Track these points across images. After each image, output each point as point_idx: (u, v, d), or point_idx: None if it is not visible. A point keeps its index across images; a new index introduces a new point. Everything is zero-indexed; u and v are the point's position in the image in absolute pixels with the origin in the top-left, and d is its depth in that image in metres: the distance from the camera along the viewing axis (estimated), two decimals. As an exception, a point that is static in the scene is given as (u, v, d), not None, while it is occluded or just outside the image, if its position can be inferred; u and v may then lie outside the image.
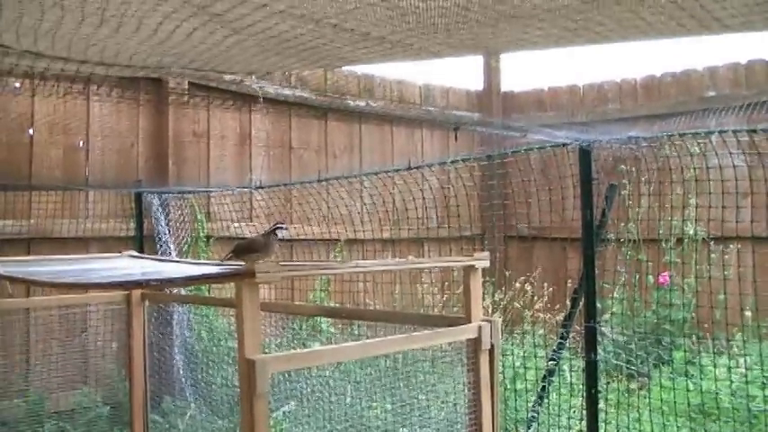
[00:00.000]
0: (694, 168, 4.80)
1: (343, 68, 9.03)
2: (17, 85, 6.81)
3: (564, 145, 4.65)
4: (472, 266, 3.86)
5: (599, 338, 4.63)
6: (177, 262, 5.57)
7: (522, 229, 9.49)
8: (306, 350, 3.88)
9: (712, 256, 6.72)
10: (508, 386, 5.31)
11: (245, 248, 4.31)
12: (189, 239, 7.28)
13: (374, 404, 5.32)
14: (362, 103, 9.15)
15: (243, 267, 3.01)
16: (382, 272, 6.39)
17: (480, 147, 9.54)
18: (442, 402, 4.69)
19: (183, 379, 6.76)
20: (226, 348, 6.63)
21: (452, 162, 5.55)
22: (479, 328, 3.86)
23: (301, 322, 6.57)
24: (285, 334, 6.25)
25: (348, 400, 5.51)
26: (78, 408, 6.48)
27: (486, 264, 3.91)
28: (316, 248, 7.86)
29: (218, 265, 4.23)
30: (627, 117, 9.12)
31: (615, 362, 5.18)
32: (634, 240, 7.08)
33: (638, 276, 7.00)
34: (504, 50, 8.44)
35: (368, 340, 3.89)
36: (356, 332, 5.48)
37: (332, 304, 7.13)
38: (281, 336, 6.17)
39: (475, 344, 3.87)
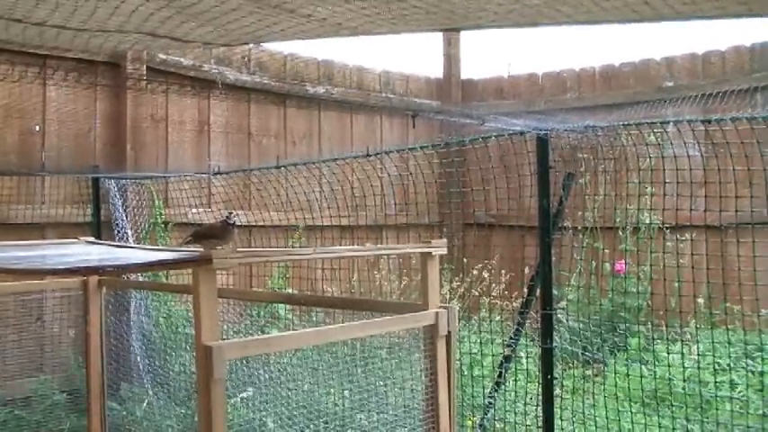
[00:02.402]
0: (651, 158, 4.85)
1: (303, 54, 9.01)
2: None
3: (521, 133, 4.68)
4: (429, 253, 3.89)
5: (555, 325, 4.68)
6: (134, 248, 5.54)
7: (480, 217, 9.53)
8: (263, 336, 3.88)
9: (668, 244, 6.79)
10: (465, 372, 5.34)
11: (203, 234, 4.31)
12: (147, 225, 7.23)
13: (332, 390, 5.34)
14: (322, 90, 9.14)
15: (200, 253, 3.01)
16: (340, 259, 6.40)
17: (439, 134, 9.55)
18: (400, 389, 4.71)
19: (141, 366, 6.72)
20: (183, 335, 6.60)
21: (411, 149, 5.56)
22: (437, 314, 3.88)
23: (259, 309, 6.57)
24: (243, 321, 6.24)
25: (306, 386, 5.52)
26: (34, 395, 6.43)
27: (444, 251, 3.93)
28: (274, 235, 7.84)
29: (176, 251, 4.21)
30: (585, 106, 9.20)
31: (571, 348, 5.23)
32: (591, 228, 7.14)
33: (594, 264, 7.06)
34: (461, 26, 8.45)
35: (325, 326, 3.90)
36: (314, 319, 5.47)
37: (290, 291, 7.12)
38: (239, 322, 6.16)
39: (432, 330, 3.89)
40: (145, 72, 7.56)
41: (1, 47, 6.71)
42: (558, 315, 5.00)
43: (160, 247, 5.68)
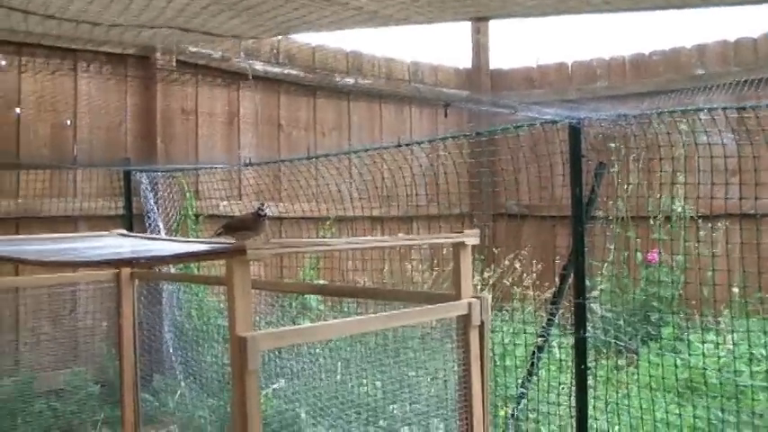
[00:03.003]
0: (683, 146, 4.81)
1: (331, 45, 9.01)
2: (3, 62, 6.77)
3: (554, 122, 4.65)
4: (462, 243, 3.87)
5: (588, 315, 4.65)
6: (167, 240, 5.56)
7: (510, 207, 9.51)
8: (297, 327, 3.88)
9: (700, 233, 6.74)
10: (497, 363, 5.32)
11: (235, 226, 4.33)
12: (178, 218, 7.26)
13: (364, 381, 5.34)
14: (351, 81, 9.13)
15: (234, 244, 3.00)
16: (372, 249, 6.39)
17: (469, 124, 9.54)
18: (432, 379, 4.71)
19: (173, 357, 6.76)
20: (215, 326, 6.63)
21: (442, 139, 5.54)
22: (469, 304, 3.87)
23: (291, 300, 6.57)
24: (275, 312, 6.26)
25: (338, 377, 5.53)
26: (68, 387, 6.48)
27: (476, 241, 3.92)
28: (305, 226, 7.85)
29: (209, 242, 4.22)
30: (616, 95, 9.13)
31: (604, 338, 5.20)
32: (623, 218, 7.10)
33: (626, 254, 7.02)
34: (493, 15, 8.41)
35: (359, 317, 3.90)
36: (346, 309, 5.48)
37: (321, 282, 7.13)
38: (271, 313, 6.17)
39: (465, 320, 3.88)
40: (175, 65, 7.58)
41: (33, 42, 6.75)
42: (591, 305, 4.96)
43: (192, 240, 5.69)
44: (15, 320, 6.58)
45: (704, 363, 5.22)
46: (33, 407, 6.16)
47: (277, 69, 8.46)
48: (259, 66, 8.25)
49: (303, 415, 5.33)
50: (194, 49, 7.70)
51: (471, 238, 3.90)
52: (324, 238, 7.45)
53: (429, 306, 3.93)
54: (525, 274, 6.86)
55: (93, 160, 7.14)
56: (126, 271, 5.71)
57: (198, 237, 6.86)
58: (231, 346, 2.93)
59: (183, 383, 6.58)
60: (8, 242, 5.16)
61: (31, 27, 6.11)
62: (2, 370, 4.76)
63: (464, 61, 10.53)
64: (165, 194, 7.25)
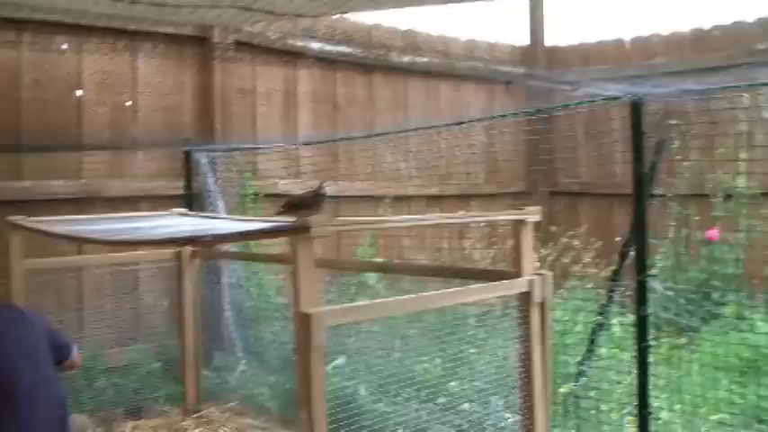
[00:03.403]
0: (746, 122, 4.74)
1: (387, 24, 9.00)
2: (64, 45, 6.86)
3: (615, 98, 4.61)
4: (523, 221, 3.88)
5: (648, 293, 4.61)
6: (227, 219, 5.62)
7: (567, 185, 9.45)
8: (361, 303, 3.92)
9: (762, 210, 6.64)
10: (556, 340, 5.31)
11: (295, 204, 4.34)
12: (237, 197, 7.31)
13: (423, 358, 5.36)
14: (407, 59, 9.11)
15: (298, 222, 3.03)
16: (430, 227, 6.40)
17: (526, 102, 9.49)
18: (492, 356, 4.71)
19: (233, 335, 6.84)
20: (275, 304, 6.69)
21: (502, 117, 5.52)
22: (530, 281, 3.88)
23: (348, 278, 6.61)
24: (332, 290, 6.30)
25: (397, 354, 5.56)
26: (131, 364, 6.58)
27: (538, 218, 3.92)
28: (362, 205, 7.87)
29: (269, 221, 4.25)
30: (675, 71, 8.97)
31: (665, 316, 5.16)
32: (682, 195, 7.01)
33: (685, 232, 6.95)
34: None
35: (422, 293, 3.92)
36: (405, 288, 5.49)
37: (379, 260, 7.15)
38: (329, 291, 6.21)
39: (526, 298, 3.89)
40: (232, 45, 7.62)
41: (92, 24, 6.83)
42: (653, 283, 4.92)
43: (252, 218, 5.74)
44: (79, 299, 6.69)
45: (766, 341, 5.16)
46: (98, 383, 6.28)
47: (333, 48, 8.46)
48: (316, 45, 8.26)
49: (363, 392, 5.37)
50: (251, 30, 7.74)
51: (533, 215, 3.90)
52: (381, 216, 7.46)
53: (490, 283, 3.94)
54: (583, 252, 6.82)
55: (153, 141, 7.22)
56: (187, 250, 5.80)
57: (257, 216, 6.90)
58: (296, 322, 2.96)
59: (243, 361, 6.65)
60: (73, 222, 5.26)
61: (90, 7, 6.17)
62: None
63: (520, 38, 10.46)
64: (224, 174, 7.31)
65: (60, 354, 4.27)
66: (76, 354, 4.41)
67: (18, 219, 5.04)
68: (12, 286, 5.01)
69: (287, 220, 3.81)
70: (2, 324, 3.94)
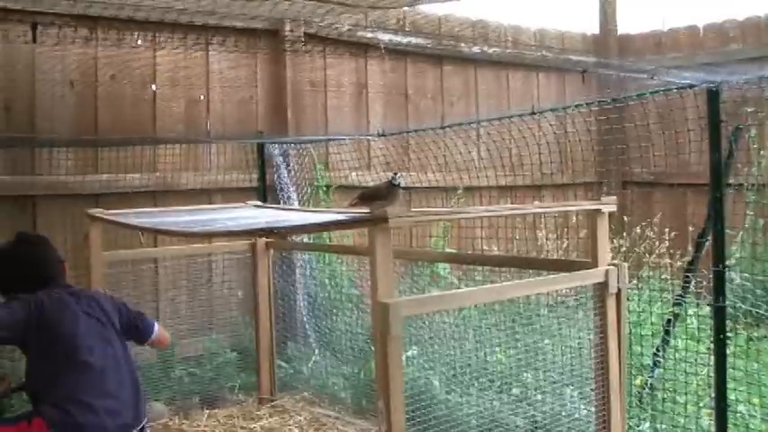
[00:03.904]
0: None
1: (457, 15, 8.98)
2: (140, 41, 6.97)
3: (690, 86, 4.55)
4: (599, 210, 3.86)
5: (726, 283, 4.55)
6: (301, 211, 5.68)
7: (640, 175, 9.34)
8: (438, 293, 3.93)
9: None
10: (631, 331, 5.27)
11: (369, 196, 4.39)
12: (309, 189, 7.37)
13: (497, 349, 5.36)
14: (477, 49, 9.08)
15: (376, 212, 3.05)
16: (505, 217, 6.38)
17: (598, 91, 9.41)
18: (566, 347, 4.70)
19: (307, 326, 6.90)
20: (347, 295, 6.74)
21: (576, 106, 5.48)
22: (606, 272, 3.85)
23: (421, 269, 6.62)
24: (404, 281, 6.32)
25: (469, 345, 5.56)
26: (206, 354, 6.68)
27: (613, 208, 3.90)
28: (433, 196, 7.87)
29: (343, 212, 4.29)
30: (752, 57, 8.79)
31: (744, 307, 5.08)
32: (760, 185, 6.89)
33: (763, 221, 6.82)
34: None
35: (498, 284, 3.92)
36: (477, 279, 5.49)
37: (451, 251, 7.15)
38: (402, 282, 6.23)
39: (602, 288, 3.87)
40: (303, 38, 7.68)
41: (161, 19, 6.93)
42: (731, 273, 4.85)
43: (326, 210, 5.79)
44: (155, 290, 6.80)
45: None
46: (174, 372, 6.39)
47: (404, 39, 8.47)
48: (386, 36, 8.28)
49: (436, 382, 5.39)
50: (321, 23, 7.78)
51: (608, 205, 3.88)
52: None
53: (566, 273, 3.93)
54: (657, 243, 6.75)
55: (226, 134, 7.31)
56: (261, 241, 5.87)
57: (329, 207, 6.96)
58: (374, 312, 2.99)
59: (316, 351, 6.71)
60: (150, 214, 5.36)
61: (160, 3, 6.26)
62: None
63: (591, 27, 10.36)
64: (296, 166, 7.37)
65: (140, 334, 4.41)
66: (159, 332, 4.50)
67: (97, 211, 5.15)
68: (91, 277, 5.12)
69: (362, 211, 3.84)
70: (69, 301, 4.07)
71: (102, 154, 6.78)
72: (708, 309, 4.75)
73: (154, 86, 7.09)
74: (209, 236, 5.53)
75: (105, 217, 5.03)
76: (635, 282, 6.05)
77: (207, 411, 5.84)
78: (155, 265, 6.79)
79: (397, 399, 2.97)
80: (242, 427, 5.42)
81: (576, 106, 5.47)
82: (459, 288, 5.27)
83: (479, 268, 5.32)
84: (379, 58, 8.31)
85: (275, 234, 5.56)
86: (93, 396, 3.87)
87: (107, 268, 5.37)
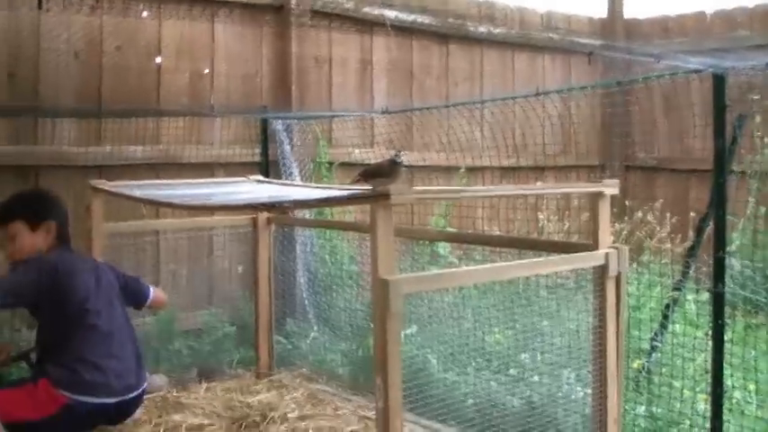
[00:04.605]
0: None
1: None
2: (145, 13, 6.95)
3: (696, 71, 4.53)
4: (601, 193, 3.85)
5: (726, 270, 4.55)
6: (303, 186, 5.67)
7: (643, 159, 9.33)
8: (438, 271, 3.93)
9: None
10: (631, 315, 5.28)
11: (371, 173, 4.37)
12: (311, 165, 7.36)
13: (495, 330, 5.37)
14: (483, 30, 9.05)
15: (378, 189, 3.05)
16: (506, 198, 6.37)
17: (603, 74, 9.39)
18: (564, 329, 4.71)
19: (306, 301, 6.91)
20: (348, 272, 6.75)
21: (581, 88, 5.47)
22: (606, 255, 3.85)
23: (421, 247, 6.63)
24: (405, 259, 6.32)
25: (467, 325, 5.57)
26: (206, 327, 6.70)
27: (616, 191, 3.89)
28: (435, 176, 7.87)
29: (345, 188, 4.28)
30: (759, 44, 8.75)
31: (744, 294, 5.09)
32: (763, 172, 6.88)
33: (764, 209, 6.82)
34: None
35: (498, 263, 3.93)
36: (477, 259, 5.49)
37: (452, 230, 7.15)
38: (402, 260, 6.23)
39: (602, 271, 3.87)
40: (308, 12, 7.65)
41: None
42: (732, 260, 4.86)
43: (329, 186, 5.78)
44: (156, 262, 6.82)
45: None
46: (173, 345, 6.41)
47: (409, 17, 8.44)
48: (392, 14, 8.25)
49: (433, 361, 5.40)
50: (327, -1, 7.78)
51: (610, 188, 3.88)
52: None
53: (566, 255, 3.93)
54: (659, 228, 6.75)
55: (230, 108, 7.29)
56: (262, 216, 5.86)
57: (331, 184, 6.95)
58: (373, 288, 3.00)
59: (315, 327, 6.72)
60: (151, 186, 5.34)
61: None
62: (145, 310, 4.98)
63: (598, 11, 10.32)
64: (300, 142, 7.36)
65: (138, 298, 4.61)
66: (156, 293, 4.70)
67: (100, 183, 5.14)
68: (93, 248, 5.12)
69: (364, 187, 3.83)
70: (80, 266, 4.23)
71: (105, 125, 6.76)
72: (707, 295, 4.75)
73: (159, 58, 7.06)
74: (210, 209, 5.53)
75: (108, 188, 5.02)
76: (635, 266, 6.06)
77: (205, 384, 5.83)
78: (156, 237, 6.79)
79: (395, 376, 2.98)
80: (239, 401, 5.41)
81: (582, 88, 5.47)
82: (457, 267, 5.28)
83: (480, 248, 5.32)
84: (384, 36, 8.29)
85: (277, 209, 5.56)
86: (99, 356, 3.98)
87: (108, 240, 5.37)
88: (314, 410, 5.29)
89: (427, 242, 6.60)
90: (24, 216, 4.21)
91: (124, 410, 4.22)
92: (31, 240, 4.19)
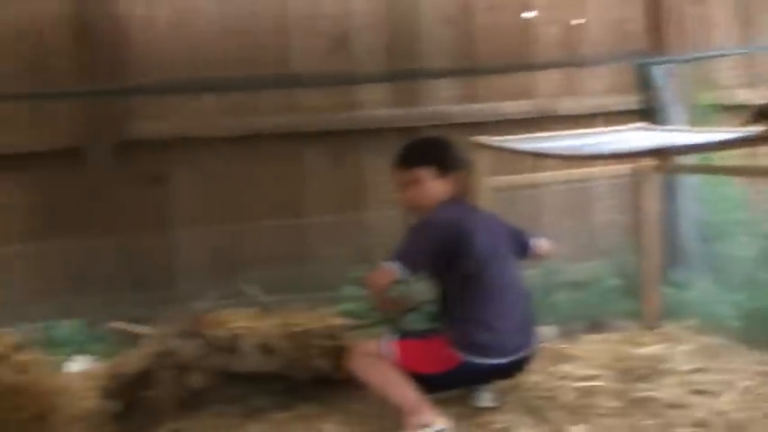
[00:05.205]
0: None
1: None
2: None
3: None
4: None
5: None
6: (689, 131, 5.45)
7: None
8: None
9: None
10: None
11: (766, 112, 4.09)
12: (692, 109, 7.07)
13: None
14: None
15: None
16: None
17: None
18: None
19: (692, 252, 6.69)
20: (736, 219, 6.45)
21: None
22: None
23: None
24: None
25: None
26: (589, 279, 6.67)
27: None
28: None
29: (736, 131, 4.04)
30: None
31: None
32: None
33: None
34: None
35: None
36: None
37: None
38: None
39: None
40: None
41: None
42: None
43: (717, 129, 5.51)
44: (538, 215, 6.88)
45: None
46: (558, 296, 6.45)
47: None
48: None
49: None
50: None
51: None
52: None
53: None
54: None
55: (605, 56, 7.16)
56: (646, 164, 5.70)
57: (715, 128, 6.64)
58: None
59: (702, 278, 6.49)
60: (531, 140, 5.37)
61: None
62: (529, 261, 5.00)
63: None
64: (678, 86, 7.09)
65: (525, 249, 4.50)
66: (537, 243, 4.59)
67: (481, 138, 5.23)
68: (478, 203, 5.23)
69: (757, 129, 3.59)
70: (480, 222, 4.19)
71: (479, 82, 6.91)
72: None
73: (531, 13, 7.08)
74: (596, 158, 5.46)
75: (490, 143, 5.10)
76: None
77: (591, 336, 5.82)
78: (534, 191, 6.84)
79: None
80: (627, 353, 5.34)
81: None
82: None
83: None
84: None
85: (665, 155, 5.37)
86: (492, 317, 3.97)
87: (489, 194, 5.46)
88: (705, 363, 5.10)
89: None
90: (436, 162, 4.14)
91: (517, 368, 4.17)
92: (437, 189, 4.13)
